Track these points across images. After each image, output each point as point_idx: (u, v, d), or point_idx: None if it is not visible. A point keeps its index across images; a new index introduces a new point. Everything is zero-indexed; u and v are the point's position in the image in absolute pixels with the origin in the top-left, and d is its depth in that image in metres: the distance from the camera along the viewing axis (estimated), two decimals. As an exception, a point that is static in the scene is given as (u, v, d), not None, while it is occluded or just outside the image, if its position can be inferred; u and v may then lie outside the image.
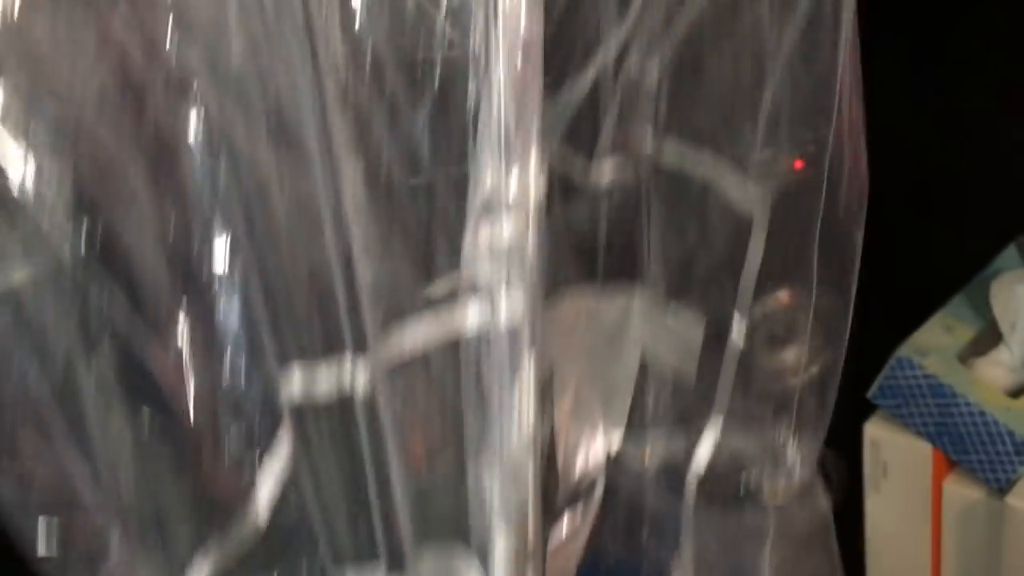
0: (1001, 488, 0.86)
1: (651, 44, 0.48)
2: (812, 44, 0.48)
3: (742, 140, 0.50)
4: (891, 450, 0.89)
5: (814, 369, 0.54)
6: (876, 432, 0.89)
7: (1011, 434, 0.86)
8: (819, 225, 0.50)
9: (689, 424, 0.53)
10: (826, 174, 0.49)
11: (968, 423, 0.88)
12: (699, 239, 0.52)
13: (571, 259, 0.52)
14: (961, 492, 0.88)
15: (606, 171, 0.51)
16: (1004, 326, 0.88)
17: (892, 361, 0.86)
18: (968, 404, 0.88)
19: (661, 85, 0.50)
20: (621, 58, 0.48)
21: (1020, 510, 0.84)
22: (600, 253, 0.53)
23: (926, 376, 0.86)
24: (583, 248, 0.52)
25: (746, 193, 0.50)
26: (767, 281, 0.52)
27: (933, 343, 0.88)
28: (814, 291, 0.51)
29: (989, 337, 0.89)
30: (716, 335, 0.53)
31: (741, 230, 0.51)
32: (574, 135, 0.46)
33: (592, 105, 0.49)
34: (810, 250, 0.51)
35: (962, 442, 0.88)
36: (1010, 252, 0.91)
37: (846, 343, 0.53)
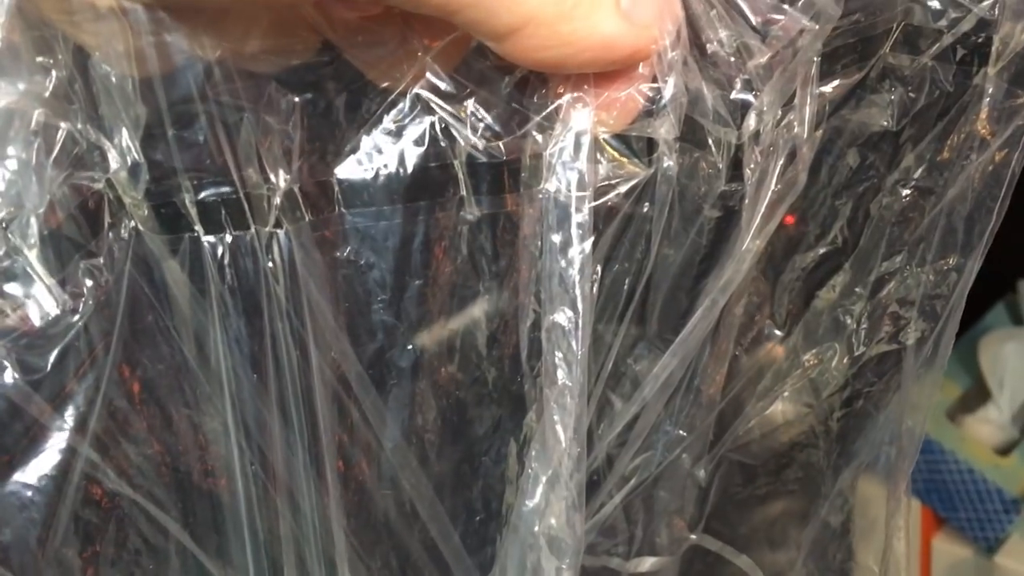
0: (990, 547, 0.87)
1: (700, 450, 0.43)
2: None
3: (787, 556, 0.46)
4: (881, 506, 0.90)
5: None
6: (866, 488, 0.90)
7: (1000, 492, 0.87)
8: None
9: None
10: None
11: (957, 480, 0.89)
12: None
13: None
14: (950, 550, 0.89)
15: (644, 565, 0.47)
16: (993, 384, 0.88)
17: (883, 424, 0.86)
18: (957, 461, 0.89)
19: (710, 488, 0.45)
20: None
21: (1009, 569, 0.85)
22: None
23: (915, 434, 0.87)
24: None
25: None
26: None
27: (922, 402, 0.88)
28: None
29: (977, 394, 0.90)
30: None
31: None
32: (609, 532, 0.43)
33: (630, 506, 0.44)
34: None
35: (951, 499, 0.89)
36: (998, 310, 0.91)
37: None
